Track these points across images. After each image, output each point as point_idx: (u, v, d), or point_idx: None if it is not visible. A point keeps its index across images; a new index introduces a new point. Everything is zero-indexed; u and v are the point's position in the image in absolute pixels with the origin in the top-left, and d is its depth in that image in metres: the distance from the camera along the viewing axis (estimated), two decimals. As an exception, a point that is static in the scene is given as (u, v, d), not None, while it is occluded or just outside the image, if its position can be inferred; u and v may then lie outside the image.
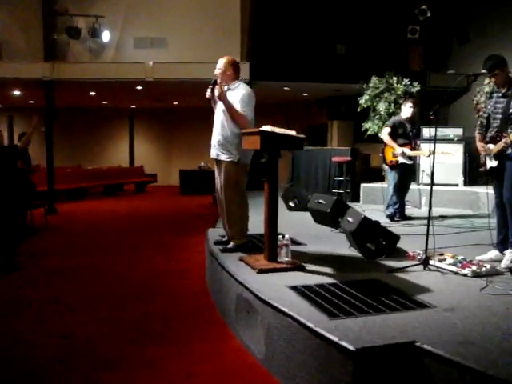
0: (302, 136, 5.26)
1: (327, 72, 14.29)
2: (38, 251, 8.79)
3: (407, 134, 8.33)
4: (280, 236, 5.34)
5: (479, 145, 5.68)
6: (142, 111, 23.79)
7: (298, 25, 14.70)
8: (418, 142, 8.91)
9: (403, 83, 11.34)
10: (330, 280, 4.79)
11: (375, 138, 10.94)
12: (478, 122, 5.85)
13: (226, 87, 5.90)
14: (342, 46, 14.97)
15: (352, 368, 3.17)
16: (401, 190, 8.42)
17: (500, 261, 5.35)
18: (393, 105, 11.26)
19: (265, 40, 14.28)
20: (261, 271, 5.04)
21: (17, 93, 17.50)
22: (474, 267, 4.99)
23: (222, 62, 5.90)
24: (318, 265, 5.40)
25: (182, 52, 13.82)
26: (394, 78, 11.39)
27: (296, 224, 8.21)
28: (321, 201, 7.69)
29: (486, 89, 10.60)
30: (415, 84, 11.37)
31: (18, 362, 4.29)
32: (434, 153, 5.78)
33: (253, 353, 4.37)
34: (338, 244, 6.36)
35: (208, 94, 5.91)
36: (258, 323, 4.37)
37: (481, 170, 5.72)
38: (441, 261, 5.28)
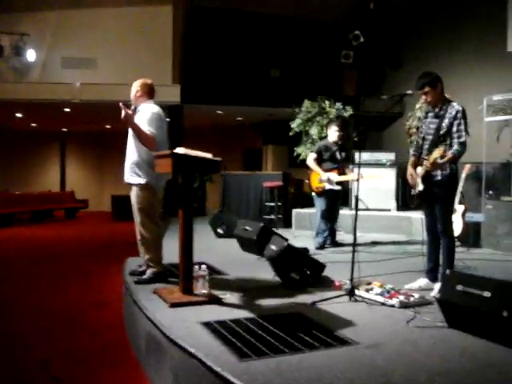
0: (218, 159, 4.93)
1: (261, 96, 14.11)
2: None
3: (335, 158, 8.08)
4: (196, 266, 4.96)
5: (409, 171, 5.44)
6: (74, 134, 23.08)
7: (231, 48, 14.49)
8: (351, 166, 8.69)
9: (336, 107, 11.19)
10: (247, 314, 4.42)
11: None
12: (414, 143, 5.59)
13: (136, 109, 5.66)
14: (276, 69, 14.82)
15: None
16: (329, 216, 8.14)
17: (429, 289, 5.09)
18: (325, 129, 11.05)
19: (197, 63, 14.03)
20: (173, 305, 4.64)
21: None
22: (402, 297, 4.71)
23: (134, 85, 5.79)
24: (238, 296, 5.05)
25: (112, 73, 13.37)
26: (327, 102, 11.24)
27: (222, 252, 7.86)
28: (247, 227, 7.35)
29: (418, 113, 10.53)
30: (348, 108, 11.23)
31: None
32: (358, 179, 5.53)
33: (161, 396, 3.95)
34: (263, 273, 5.97)
35: (122, 117, 5.61)
36: (165, 364, 3.95)
37: (412, 193, 5.47)
38: (368, 290, 5.00)
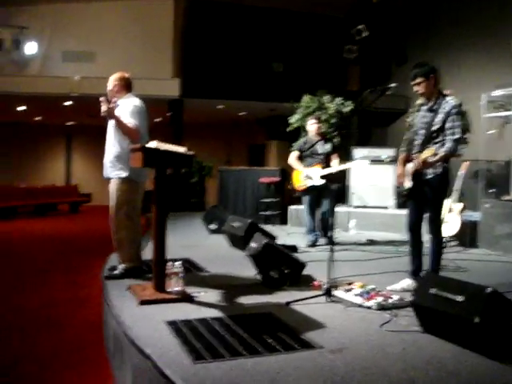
0: (191, 153, 4.76)
1: (263, 90, 13.92)
2: None
3: (316, 152, 7.81)
4: (170, 263, 4.80)
5: (398, 169, 5.22)
6: (80, 128, 23.01)
7: (232, 42, 14.30)
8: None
9: (335, 102, 10.95)
10: (216, 314, 4.26)
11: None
12: (405, 137, 5.30)
13: (116, 102, 5.50)
14: (278, 64, 14.60)
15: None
16: (317, 212, 7.90)
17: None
18: (326, 124, 10.84)
19: (197, 57, 13.86)
20: (143, 303, 4.49)
21: None
22: (380, 299, 4.52)
23: (111, 79, 5.66)
24: (213, 294, 4.89)
25: (111, 67, 13.05)
26: (326, 97, 11.01)
27: (211, 248, 7.69)
28: (235, 224, 7.23)
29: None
30: (347, 103, 10.98)
31: None
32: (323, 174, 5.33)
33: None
34: (247, 271, 5.76)
35: (103, 111, 5.50)
36: (127, 364, 3.81)
37: (400, 190, 5.26)
38: (347, 291, 4.81)
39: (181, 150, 4.68)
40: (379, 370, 3.11)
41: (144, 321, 4.04)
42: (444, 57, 12.13)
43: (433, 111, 4.94)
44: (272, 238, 6.84)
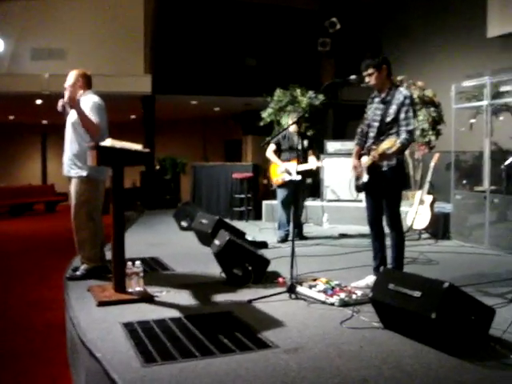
0: (147, 150, 4.65)
1: (236, 85, 13.80)
2: None
3: (294, 148, 7.73)
4: (130, 263, 4.69)
5: (353, 162, 5.13)
6: (55, 127, 22.63)
7: (205, 37, 14.09)
8: (322, 156, 8.32)
9: (308, 96, 10.86)
10: (175, 314, 4.16)
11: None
12: (358, 130, 5.19)
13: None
14: (251, 59, 14.46)
15: None
16: (292, 208, 7.81)
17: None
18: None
19: (169, 53, 13.65)
20: (101, 304, 4.39)
21: None
22: (343, 295, 4.44)
23: (71, 75, 5.54)
24: (174, 294, 4.81)
25: (83, 64, 12.80)
26: (298, 91, 10.92)
27: (181, 245, 7.60)
28: (203, 221, 7.12)
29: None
30: (319, 96, 10.90)
31: None
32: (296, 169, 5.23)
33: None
34: (213, 269, 5.65)
35: (59, 107, 5.42)
36: (81, 366, 3.71)
37: (356, 184, 5.17)
38: (311, 287, 4.72)
39: (137, 147, 4.57)
40: (332, 370, 3.02)
41: (99, 323, 3.95)
42: (418, 48, 12.08)
43: (386, 103, 4.85)
44: (240, 234, 6.74)
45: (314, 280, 4.95)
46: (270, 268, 5.38)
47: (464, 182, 8.61)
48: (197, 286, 5.13)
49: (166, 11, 13.91)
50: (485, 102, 7.80)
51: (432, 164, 8.08)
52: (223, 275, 5.32)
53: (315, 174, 9.19)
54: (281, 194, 7.80)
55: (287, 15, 14.21)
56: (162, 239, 8.23)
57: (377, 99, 4.97)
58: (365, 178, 4.92)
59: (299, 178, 7.33)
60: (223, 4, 14.12)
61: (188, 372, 2.98)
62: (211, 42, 13.94)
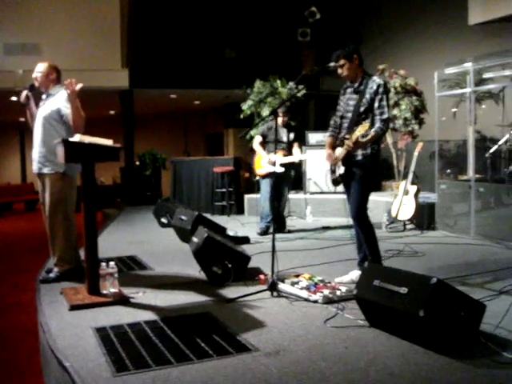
0: (117, 146, 4.44)
1: (216, 78, 13.56)
2: None
3: (282, 141, 7.58)
4: (104, 263, 4.48)
5: (327, 153, 4.95)
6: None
7: (183, 29, 13.81)
8: (304, 148, 8.14)
9: (288, 87, 10.66)
10: (151, 316, 3.96)
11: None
12: (331, 122, 5.05)
13: (45, 93, 5.30)
14: (231, 50, 14.22)
15: None
16: (276, 200, 7.65)
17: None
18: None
19: (147, 46, 13.35)
20: (73, 308, 4.17)
21: None
22: (327, 292, 4.26)
23: (43, 66, 5.31)
24: (151, 295, 4.61)
25: (58, 59, 12.55)
26: (278, 82, 10.71)
27: (160, 243, 7.37)
28: (182, 217, 6.90)
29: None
30: (300, 87, 10.69)
31: None
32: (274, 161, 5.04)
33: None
34: (193, 267, 5.44)
35: (23, 98, 5.21)
36: (51, 375, 3.50)
37: (332, 177, 4.98)
38: (294, 284, 4.54)
39: (107, 142, 4.35)
40: (316, 374, 2.84)
41: (71, 328, 3.76)
42: (399, 36, 11.93)
43: (359, 92, 4.73)
44: (221, 230, 6.53)
45: (297, 276, 4.78)
46: (252, 264, 5.20)
47: (448, 171, 8.47)
48: (175, 285, 4.93)
49: (142, 4, 13.61)
50: (468, 89, 7.64)
51: (416, 153, 7.93)
52: (203, 274, 5.11)
53: (298, 166, 9.01)
54: (265, 185, 7.64)
55: (266, 5, 13.97)
56: (141, 237, 8.01)
57: (349, 89, 4.86)
58: (341, 170, 4.75)
59: (282, 170, 7.20)
60: (201, -5, 13.86)
61: (161, 382, 2.78)
62: (189, 33, 13.67)
